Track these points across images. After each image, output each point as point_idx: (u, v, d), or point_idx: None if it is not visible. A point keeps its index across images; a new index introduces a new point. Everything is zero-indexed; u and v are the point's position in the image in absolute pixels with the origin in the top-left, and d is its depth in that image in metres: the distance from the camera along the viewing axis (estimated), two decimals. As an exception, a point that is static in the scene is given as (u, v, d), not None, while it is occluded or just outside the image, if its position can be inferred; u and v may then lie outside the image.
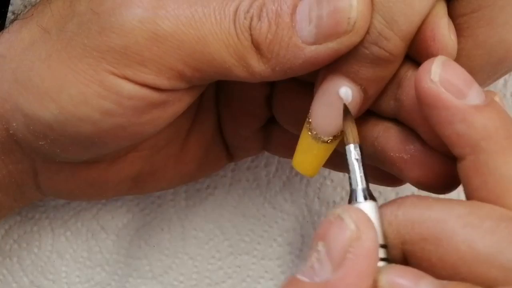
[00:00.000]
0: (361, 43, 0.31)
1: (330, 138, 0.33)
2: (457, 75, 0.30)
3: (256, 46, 0.31)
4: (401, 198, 0.30)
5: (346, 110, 0.32)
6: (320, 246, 0.28)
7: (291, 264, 0.46)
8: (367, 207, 0.30)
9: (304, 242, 0.46)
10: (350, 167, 0.31)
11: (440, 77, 0.30)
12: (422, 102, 0.30)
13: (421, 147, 0.33)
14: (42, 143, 0.33)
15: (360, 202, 0.30)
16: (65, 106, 0.32)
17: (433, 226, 0.28)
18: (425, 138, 0.32)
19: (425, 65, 0.30)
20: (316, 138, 0.33)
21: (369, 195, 0.30)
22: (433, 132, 0.31)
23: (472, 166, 0.30)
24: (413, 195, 0.31)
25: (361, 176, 0.31)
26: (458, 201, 0.30)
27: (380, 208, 0.30)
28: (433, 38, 0.31)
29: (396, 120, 0.34)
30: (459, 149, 0.30)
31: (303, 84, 0.36)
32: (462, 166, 0.30)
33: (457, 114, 0.29)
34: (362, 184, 0.30)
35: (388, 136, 0.34)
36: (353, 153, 0.31)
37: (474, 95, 0.30)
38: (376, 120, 0.34)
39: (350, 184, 0.31)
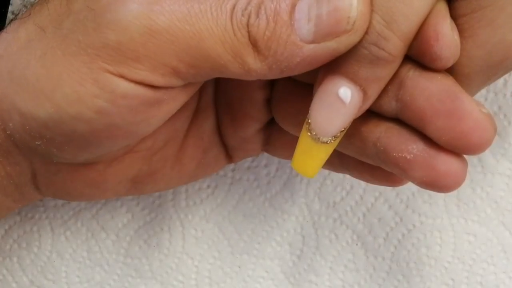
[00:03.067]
0: (360, 43, 0.31)
1: (330, 138, 0.33)
2: None
3: (254, 43, 0.31)
4: None
5: None
6: None
7: (291, 264, 0.46)
8: None
9: (304, 242, 0.46)
10: None
11: None
12: None
13: (424, 146, 0.33)
14: (39, 143, 0.33)
15: None
16: (59, 105, 0.32)
17: None
18: (433, 136, 0.32)
19: None
20: (316, 139, 0.33)
21: None
22: (440, 128, 0.32)
23: None
24: None
25: None
26: None
27: None
28: (436, 38, 0.31)
29: (397, 120, 0.34)
30: None
31: (303, 85, 0.36)
32: None
33: None
34: None
35: (390, 137, 0.34)
36: None
37: None
38: (377, 121, 0.34)
39: None
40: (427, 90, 0.32)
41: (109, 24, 0.31)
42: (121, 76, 0.31)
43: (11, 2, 0.39)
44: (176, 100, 0.33)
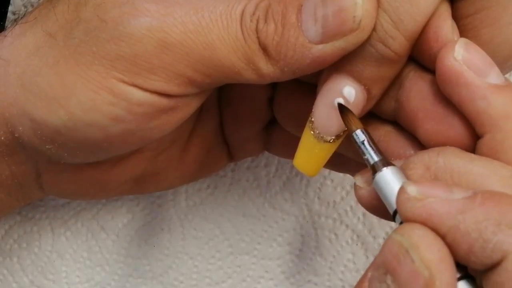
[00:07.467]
0: (367, 41, 0.31)
1: (333, 137, 0.33)
2: (479, 56, 0.31)
3: (264, 48, 0.31)
4: (439, 147, 0.31)
5: (341, 107, 0.32)
6: (389, 281, 0.27)
7: (291, 264, 0.46)
8: (390, 172, 0.30)
9: (304, 242, 0.46)
10: (362, 149, 0.31)
11: (463, 56, 0.30)
12: (444, 80, 0.31)
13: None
14: (49, 147, 0.33)
15: (382, 171, 0.30)
16: (74, 112, 0.32)
17: (473, 179, 0.29)
18: (422, 139, 0.32)
19: (448, 45, 0.31)
20: (318, 137, 0.33)
21: (387, 163, 0.30)
22: (429, 132, 0.32)
23: (488, 144, 0.30)
24: (452, 147, 0.31)
25: (374, 151, 0.31)
26: (501, 163, 0.30)
27: (417, 154, 0.31)
28: (436, 39, 0.31)
29: (396, 124, 0.34)
30: (479, 127, 0.30)
31: (305, 85, 0.36)
32: (480, 144, 0.30)
33: (477, 92, 0.30)
34: (378, 157, 0.30)
35: (388, 141, 0.34)
36: (360, 136, 0.31)
37: (494, 75, 0.30)
38: (376, 125, 0.34)
39: (368, 163, 0.31)
40: (422, 92, 0.32)
41: (122, 36, 0.31)
42: (136, 86, 0.32)
43: (11, 2, 0.39)
44: (189, 107, 0.34)
